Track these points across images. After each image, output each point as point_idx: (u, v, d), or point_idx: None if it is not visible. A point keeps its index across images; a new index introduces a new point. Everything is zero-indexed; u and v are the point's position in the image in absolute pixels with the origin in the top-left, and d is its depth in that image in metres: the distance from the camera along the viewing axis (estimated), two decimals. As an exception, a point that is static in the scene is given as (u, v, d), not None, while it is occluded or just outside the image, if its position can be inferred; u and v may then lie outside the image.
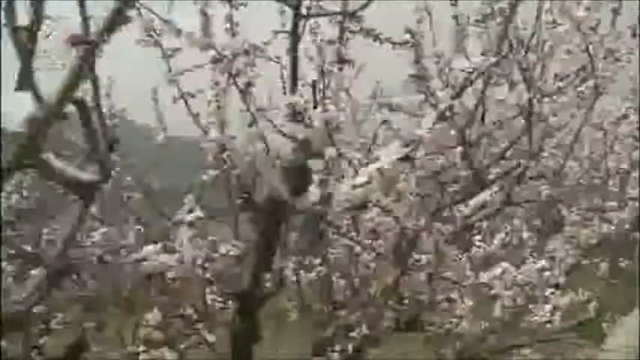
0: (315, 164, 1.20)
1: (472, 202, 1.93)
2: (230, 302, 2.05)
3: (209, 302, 2.04)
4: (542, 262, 1.43)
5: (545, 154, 2.41)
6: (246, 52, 1.55)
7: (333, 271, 2.40)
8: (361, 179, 1.00)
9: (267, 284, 1.86)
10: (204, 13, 1.60)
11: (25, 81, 0.93)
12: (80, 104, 0.97)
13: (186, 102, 1.93)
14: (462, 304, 1.90)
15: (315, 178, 1.07)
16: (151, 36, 1.90)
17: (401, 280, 2.02)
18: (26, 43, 0.92)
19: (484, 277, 1.40)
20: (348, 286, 2.44)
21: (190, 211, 1.51)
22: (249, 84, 1.55)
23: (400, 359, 3.20)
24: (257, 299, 1.86)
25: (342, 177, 1.07)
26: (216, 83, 1.62)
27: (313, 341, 2.31)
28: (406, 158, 0.99)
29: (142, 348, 1.66)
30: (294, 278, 2.09)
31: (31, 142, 1.04)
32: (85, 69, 0.92)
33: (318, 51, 1.67)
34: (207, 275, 1.94)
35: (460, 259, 2.09)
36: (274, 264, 1.81)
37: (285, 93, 1.67)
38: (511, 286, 1.36)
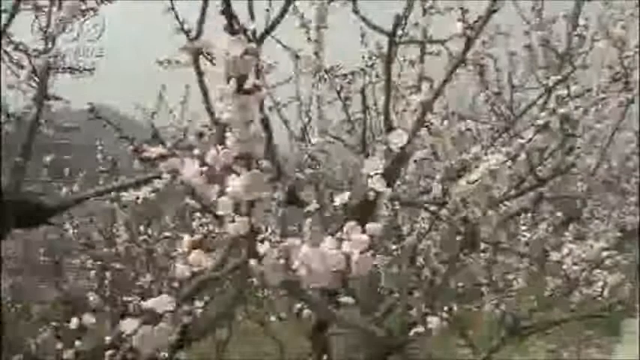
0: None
1: (524, 197, 2.25)
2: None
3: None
4: (602, 243, 1.73)
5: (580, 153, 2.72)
6: (352, 74, 1.87)
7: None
8: (474, 177, 1.31)
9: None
10: (316, 40, 1.91)
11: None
12: (264, 122, 1.29)
13: (278, 111, 2.24)
14: (517, 284, 2.23)
15: (438, 176, 1.38)
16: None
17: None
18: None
19: (555, 256, 1.70)
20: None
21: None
22: (347, 98, 1.88)
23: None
24: (345, 279, 2.16)
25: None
26: (318, 97, 1.94)
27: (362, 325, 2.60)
28: (509, 160, 1.30)
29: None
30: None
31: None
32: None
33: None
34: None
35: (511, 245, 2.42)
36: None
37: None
38: (578, 263, 1.67)
